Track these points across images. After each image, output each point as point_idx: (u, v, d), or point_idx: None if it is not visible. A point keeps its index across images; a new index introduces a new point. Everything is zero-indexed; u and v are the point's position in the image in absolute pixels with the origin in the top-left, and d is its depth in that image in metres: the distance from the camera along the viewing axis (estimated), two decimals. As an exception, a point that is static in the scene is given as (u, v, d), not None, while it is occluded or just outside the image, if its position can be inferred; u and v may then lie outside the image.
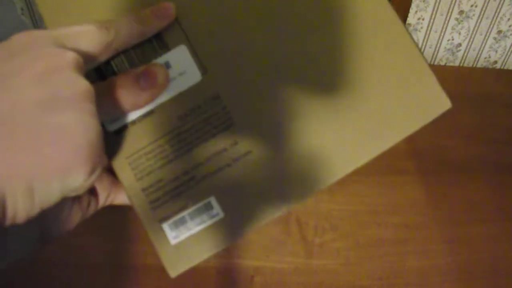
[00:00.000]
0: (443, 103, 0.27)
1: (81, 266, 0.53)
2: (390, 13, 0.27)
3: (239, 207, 0.27)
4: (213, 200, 0.27)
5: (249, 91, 0.27)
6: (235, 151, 0.27)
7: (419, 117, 0.27)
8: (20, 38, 0.20)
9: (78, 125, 0.19)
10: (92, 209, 0.28)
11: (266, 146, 0.27)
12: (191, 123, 0.27)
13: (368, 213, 0.59)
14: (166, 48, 0.27)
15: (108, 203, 0.29)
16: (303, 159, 0.27)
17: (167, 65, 0.26)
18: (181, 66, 0.27)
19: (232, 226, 0.27)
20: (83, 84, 0.20)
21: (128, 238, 0.55)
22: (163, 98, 0.26)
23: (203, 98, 0.27)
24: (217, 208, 0.27)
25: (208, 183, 0.27)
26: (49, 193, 0.19)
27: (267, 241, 0.54)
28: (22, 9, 0.70)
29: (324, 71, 0.27)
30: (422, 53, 0.27)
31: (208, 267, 0.52)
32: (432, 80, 0.27)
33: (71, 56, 0.20)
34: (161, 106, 0.27)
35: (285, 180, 0.27)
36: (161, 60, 0.26)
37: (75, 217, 0.27)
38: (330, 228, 0.56)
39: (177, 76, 0.27)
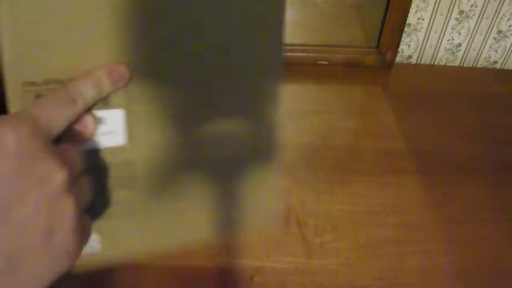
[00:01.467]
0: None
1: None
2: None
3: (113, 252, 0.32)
4: (97, 238, 0.30)
5: (165, 171, 0.30)
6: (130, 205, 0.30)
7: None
8: (10, 145, 0.20)
9: (75, 245, 0.23)
10: None
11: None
12: (97, 177, 0.29)
13: (368, 213, 0.59)
14: (106, 105, 0.27)
15: None
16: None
17: (101, 121, 0.27)
18: (112, 127, 0.28)
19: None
20: (72, 207, 0.23)
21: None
22: (80, 146, 0.27)
23: (116, 160, 0.29)
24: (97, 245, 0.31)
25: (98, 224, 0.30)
26: None
27: (267, 241, 0.54)
28: (22, 9, 0.70)
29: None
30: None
31: (208, 267, 0.52)
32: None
33: (61, 178, 0.22)
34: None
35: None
36: (98, 114, 0.27)
37: None
38: (330, 228, 0.56)
39: (104, 133, 0.28)
